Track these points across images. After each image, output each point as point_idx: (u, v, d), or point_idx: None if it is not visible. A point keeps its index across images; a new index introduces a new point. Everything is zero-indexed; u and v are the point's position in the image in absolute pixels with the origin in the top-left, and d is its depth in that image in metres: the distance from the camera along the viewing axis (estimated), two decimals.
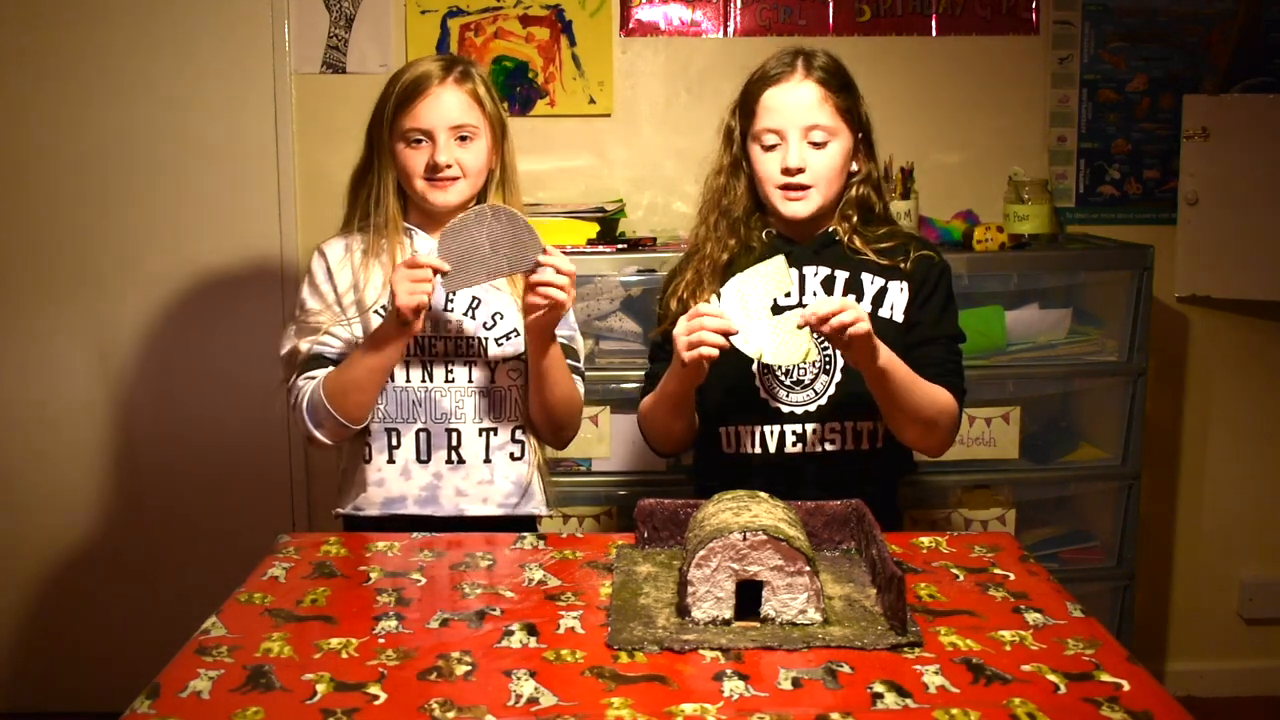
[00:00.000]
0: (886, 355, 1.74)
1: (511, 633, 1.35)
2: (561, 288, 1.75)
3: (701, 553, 1.34)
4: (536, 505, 1.99)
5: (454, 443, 1.91)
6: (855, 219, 1.93)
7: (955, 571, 1.56)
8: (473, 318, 1.92)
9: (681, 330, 1.72)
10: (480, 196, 1.94)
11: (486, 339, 1.91)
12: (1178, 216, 2.93)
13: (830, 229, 1.94)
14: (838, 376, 1.88)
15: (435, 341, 1.90)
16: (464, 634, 1.36)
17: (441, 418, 1.91)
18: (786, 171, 1.86)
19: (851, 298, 1.81)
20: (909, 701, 1.18)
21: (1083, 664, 1.26)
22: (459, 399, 1.91)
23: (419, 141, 1.86)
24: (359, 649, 1.31)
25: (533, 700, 1.18)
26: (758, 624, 1.34)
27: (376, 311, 1.87)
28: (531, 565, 1.59)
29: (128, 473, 3.00)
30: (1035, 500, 2.75)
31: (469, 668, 1.26)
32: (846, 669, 1.25)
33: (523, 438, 1.95)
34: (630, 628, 1.34)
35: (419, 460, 1.91)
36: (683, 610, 1.35)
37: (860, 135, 1.92)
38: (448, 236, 1.75)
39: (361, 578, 1.56)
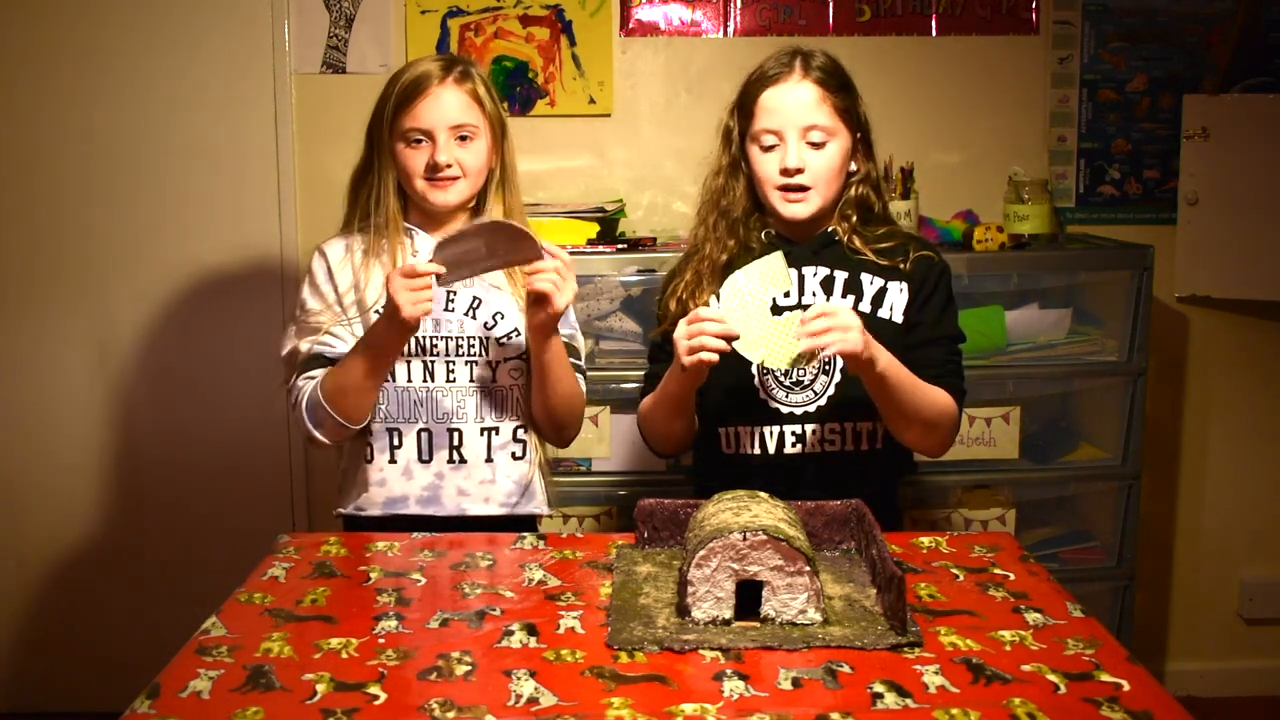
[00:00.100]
0: (885, 361, 1.74)
1: (511, 633, 1.35)
2: (558, 272, 1.75)
3: (701, 553, 1.34)
4: (538, 505, 1.99)
5: (455, 442, 1.91)
6: (854, 219, 1.93)
7: (955, 571, 1.56)
8: (474, 317, 1.92)
9: (682, 334, 1.72)
10: (480, 196, 1.94)
11: (488, 338, 1.91)
12: (1178, 216, 2.92)
13: (829, 229, 1.94)
14: (837, 377, 1.88)
15: (436, 341, 1.90)
16: (464, 634, 1.35)
17: (443, 417, 1.91)
18: (785, 172, 1.86)
19: (845, 310, 1.71)
20: (909, 701, 1.18)
21: (1083, 664, 1.26)
22: (460, 398, 1.91)
23: (419, 141, 1.86)
24: (359, 649, 1.31)
25: (533, 700, 1.18)
26: (758, 624, 1.34)
27: (376, 311, 1.87)
28: (531, 565, 1.59)
29: (128, 472, 3.00)
30: (1035, 500, 2.75)
31: (469, 668, 1.26)
32: (846, 669, 1.25)
33: (524, 437, 1.95)
34: (630, 628, 1.34)
35: (421, 460, 1.91)
36: (683, 610, 1.35)
37: (859, 135, 1.92)
38: (444, 247, 1.75)
39: (361, 578, 1.55)
